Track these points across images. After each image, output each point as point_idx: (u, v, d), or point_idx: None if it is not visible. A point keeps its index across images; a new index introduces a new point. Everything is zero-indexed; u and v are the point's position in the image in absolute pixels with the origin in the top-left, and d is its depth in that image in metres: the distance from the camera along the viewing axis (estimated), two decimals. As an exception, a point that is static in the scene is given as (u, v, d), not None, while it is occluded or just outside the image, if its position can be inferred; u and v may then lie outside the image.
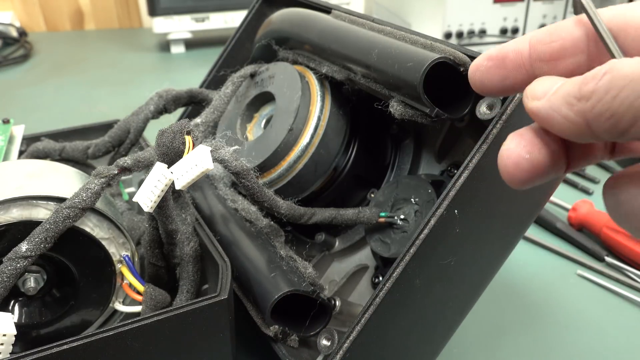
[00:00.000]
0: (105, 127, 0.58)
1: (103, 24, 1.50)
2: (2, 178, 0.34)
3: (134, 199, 0.33)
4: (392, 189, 0.43)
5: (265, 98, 0.49)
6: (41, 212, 0.33)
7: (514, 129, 0.32)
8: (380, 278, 0.43)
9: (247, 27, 0.56)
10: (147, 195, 0.31)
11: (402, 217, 0.41)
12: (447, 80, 0.35)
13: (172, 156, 0.32)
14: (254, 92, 0.49)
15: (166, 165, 0.31)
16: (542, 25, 1.01)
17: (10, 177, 0.34)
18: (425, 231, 0.31)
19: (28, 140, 0.56)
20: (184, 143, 0.31)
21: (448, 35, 0.96)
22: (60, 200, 0.34)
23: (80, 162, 0.51)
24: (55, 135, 0.56)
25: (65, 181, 0.36)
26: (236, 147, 0.35)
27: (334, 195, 0.47)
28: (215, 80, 0.56)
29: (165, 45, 1.29)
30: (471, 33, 0.96)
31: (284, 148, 0.43)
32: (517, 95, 0.31)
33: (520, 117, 0.31)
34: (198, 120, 0.44)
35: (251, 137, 0.48)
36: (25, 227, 0.32)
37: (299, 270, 0.37)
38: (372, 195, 0.47)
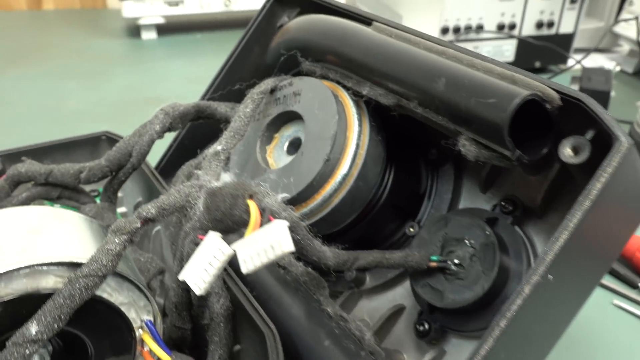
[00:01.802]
0: (92, 141, 0.51)
1: (63, 3, 1.38)
2: (-2, 236, 0.28)
3: (179, 277, 0.27)
4: (439, 227, 0.39)
5: (288, 117, 0.43)
6: (51, 281, 0.27)
7: (621, 183, 0.28)
8: (427, 326, 0.38)
9: (257, 29, 0.50)
10: (200, 275, 0.25)
11: (456, 261, 0.36)
12: (524, 115, 0.30)
13: (228, 225, 0.26)
14: (275, 110, 0.43)
15: (220, 236, 0.26)
16: (539, 22, 0.98)
17: (8, 236, 0.28)
18: (519, 302, 0.27)
19: (3, 158, 0.48)
20: (246, 211, 0.25)
21: (445, 30, 0.91)
22: (73, 265, 0.27)
23: (70, 187, 0.44)
24: (36, 152, 0.49)
25: (75, 236, 0.30)
26: (285, 194, 0.30)
27: (366, 228, 0.42)
28: (220, 88, 0.50)
29: (134, 31, 1.20)
30: (468, 28, 0.92)
31: (319, 180, 0.38)
32: (623, 140, 0.27)
33: (632, 167, 0.27)
34: (219, 147, 0.38)
35: (272, 161, 0.43)
36: (32, 301, 0.26)
37: (354, 334, 0.32)
38: (412, 230, 0.42)
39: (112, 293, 0.29)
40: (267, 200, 0.29)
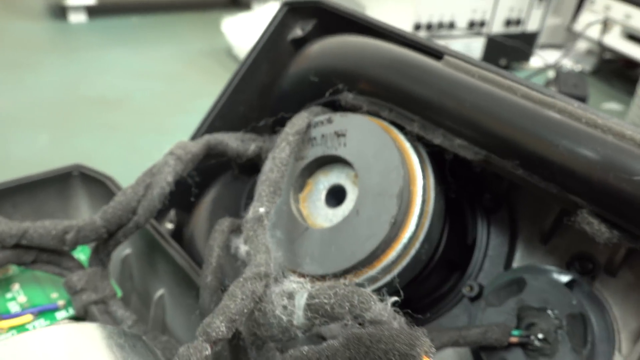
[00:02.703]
0: (61, 178, 0.41)
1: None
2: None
3: None
4: (511, 291, 0.34)
5: (325, 160, 0.36)
6: None
7: None
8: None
9: (267, 44, 0.42)
10: None
11: (540, 336, 0.32)
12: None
13: None
14: (311, 152, 0.36)
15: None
16: (508, 20, 0.96)
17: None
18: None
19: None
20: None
21: (418, 27, 0.86)
22: None
23: (50, 251, 0.35)
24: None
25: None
26: (395, 298, 0.23)
27: (414, 288, 0.36)
28: (224, 112, 0.42)
29: (59, 12, 1.05)
30: (440, 25, 0.88)
31: (382, 246, 0.32)
32: None
33: None
34: (261, 210, 0.30)
35: (306, 213, 0.36)
36: None
37: None
38: (471, 290, 0.37)
39: None
40: (376, 308, 0.23)
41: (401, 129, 0.34)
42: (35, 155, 0.61)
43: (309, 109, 0.37)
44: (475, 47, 0.92)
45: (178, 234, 0.41)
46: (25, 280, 0.37)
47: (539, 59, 0.99)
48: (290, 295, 0.24)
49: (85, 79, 0.82)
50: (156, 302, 0.37)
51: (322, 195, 0.36)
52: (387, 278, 0.32)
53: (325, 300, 0.23)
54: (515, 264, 0.37)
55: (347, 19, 0.39)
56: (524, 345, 0.32)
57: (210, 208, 0.39)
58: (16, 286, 0.36)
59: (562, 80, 0.82)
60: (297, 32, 0.42)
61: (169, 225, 0.42)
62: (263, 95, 0.43)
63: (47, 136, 0.65)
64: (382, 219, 0.31)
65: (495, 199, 0.38)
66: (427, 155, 0.34)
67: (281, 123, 0.42)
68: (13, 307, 0.35)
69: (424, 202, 0.32)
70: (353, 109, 0.36)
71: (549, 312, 0.32)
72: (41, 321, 0.34)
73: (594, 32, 0.96)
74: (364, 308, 0.23)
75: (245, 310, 0.24)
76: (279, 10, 0.42)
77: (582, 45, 1.05)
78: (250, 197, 0.41)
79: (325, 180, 0.36)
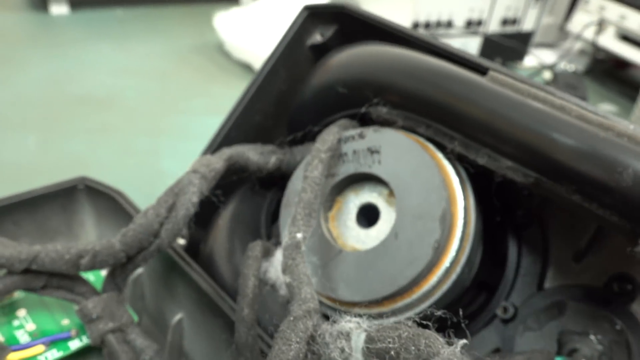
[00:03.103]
0: (66, 192, 0.39)
1: None
2: None
3: None
4: (551, 315, 0.33)
5: (357, 177, 0.34)
6: None
7: None
8: None
9: (286, 50, 0.40)
10: None
11: (584, 363, 0.31)
12: None
13: None
14: (342, 169, 0.34)
15: None
16: (505, 19, 0.95)
17: None
18: None
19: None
20: None
21: (416, 25, 0.85)
22: None
23: (61, 275, 0.32)
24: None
25: None
26: (464, 341, 0.22)
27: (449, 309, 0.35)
28: (240, 121, 0.40)
29: (40, 3, 1.00)
30: (438, 24, 0.86)
31: (424, 272, 0.30)
32: None
33: None
34: (298, 235, 0.28)
35: (336, 233, 0.34)
36: None
37: None
38: (506, 313, 0.35)
39: None
40: (445, 352, 0.21)
41: (438, 146, 0.32)
42: (26, 159, 0.58)
43: (338, 123, 0.35)
44: (471, 47, 0.91)
45: (191, 251, 0.39)
46: (32, 305, 0.34)
47: (533, 59, 0.99)
48: (347, 337, 0.23)
49: (71, 75, 0.78)
50: (174, 327, 0.35)
51: (353, 214, 0.34)
52: (425, 304, 0.31)
53: (390, 345, 0.21)
54: (547, 283, 0.36)
55: (371, 26, 0.37)
56: (566, 372, 0.31)
57: (229, 224, 0.37)
58: (22, 312, 0.34)
59: (560, 82, 0.81)
60: (317, 37, 0.40)
61: (181, 241, 0.40)
62: (280, 103, 0.41)
63: (36, 138, 0.62)
64: (424, 243, 0.30)
65: (527, 215, 0.37)
66: (466, 174, 0.32)
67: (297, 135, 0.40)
68: (22, 337, 0.32)
69: (465, 224, 0.31)
70: (386, 123, 0.34)
71: (592, 337, 0.31)
72: (54, 352, 0.32)
73: (589, 33, 0.96)
74: (432, 352, 0.21)
75: (301, 355, 0.22)
76: (299, 15, 0.39)
77: (575, 45, 1.05)
78: (270, 213, 0.40)
79: (355, 199, 0.34)
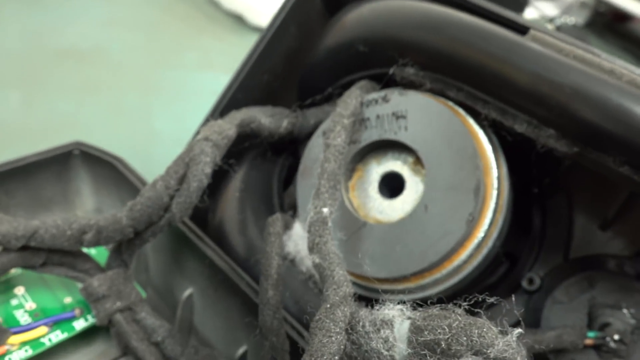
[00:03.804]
0: (60, 158, 0.36)
1: None
2: None
3: None
4: (581, 288, 0.32)
5: (380, 144, 0.32)
6: None
7: None
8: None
9: (297, 2, 0.36)
10: None
11: (616, 337, 0.30)
12: None
13: None
14: (364, 135, 0.31)
15: None
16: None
17: None
18: None
19: None
20: None
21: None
22: None
23: (62, 251, 0.30)
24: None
25: None
26: (519, 330, 0.20)
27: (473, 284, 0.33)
28: (247, 81, 0.37)
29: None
30: None
31: (456, 246, 0.28)
32: None
33: None
34: (325, 210, 0.26)
35: (357, 203, 0.32)
36: None
37: None
38: (532, 284, 0.34)
39: None
40: (499, 343, 0.19)
41: (468, 110, 0.30)
42: (10, 118, 0.54)
43: (359, 85, 0.32)
44: (472, -2, 0.88)
45: (196, 219, 0.37)
46: (30, 281, 0.32)
47: (533, 11, 0.96)
48: (389, 325, 0.21)
49: (52, 27, 0.73)
50: (184, 302, 0.33)
51: (375, 183, 0.32)
52: (454, 280, 0.29)
53: (440, 336, 0.20)
54: (572, 253, 0.35)
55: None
56: (597, 346, 0.30)
57: (240, 192, 0.35)
58: (21, 289, 0.32)
59: (565, 36, 0.78)
60: (330, -11, 0.37)
61: (186, 210, 0.37)
62: (289, 62, 0.38)
63: (19, 96, 0.58)
64: (457, 216, 0.28)
65: (554, 183, 0.35)
66: (498, 141, 0.30)
67: (309, 96, 0.37)
68: (22, 317, 0.30)
69: (498, 195, 0.29)
70: (410, 85, 0.31)
71: (624, 310, 0.30)
72: (57, 333, 0.30)
73: (590, -16, 0.93)
74: (485, 344, 0.19)
75: (342, 347, 0.20)
76: (312, -36, 0.36)
77: (575, -3, 1.02)
78: (281, 180, 0.37)
79: (378, 167, 0.32)
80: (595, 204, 0.34)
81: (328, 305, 0.21)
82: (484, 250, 0.29)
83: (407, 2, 0.31)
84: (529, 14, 0.95)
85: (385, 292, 0.30)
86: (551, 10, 0.98)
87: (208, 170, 0.28)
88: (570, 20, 0.97)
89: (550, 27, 0.87)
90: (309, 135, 0.37)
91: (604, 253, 0.33)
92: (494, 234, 0.29)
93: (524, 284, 0.34)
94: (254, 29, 0.78)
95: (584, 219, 0.35)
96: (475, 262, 0.29)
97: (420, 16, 0.30)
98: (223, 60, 0.72)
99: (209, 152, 0.28)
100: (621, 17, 1.01)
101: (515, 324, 0.35)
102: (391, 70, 0.30)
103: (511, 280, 0.35)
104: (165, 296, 0.35)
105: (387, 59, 0.31)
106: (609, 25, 1.03)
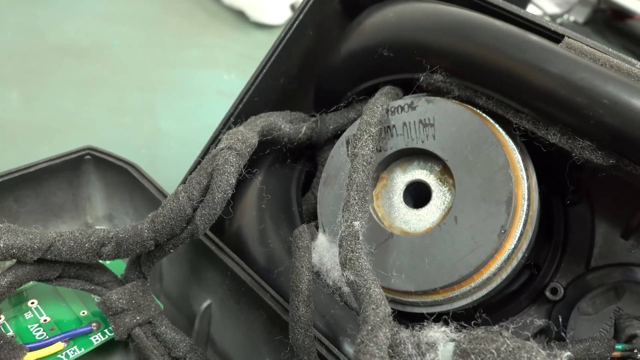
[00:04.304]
0: (71, 163, 0.35)
1: None
2: None
3: None
4: (607, 299, 0.31)
5: (406, 152, 0.31)
6: None
7: None
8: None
9: (315, 3, 0.35)
10: None
11: (645, 350, 0.29)
12: None
13: None
14: (390, 143, 0.31)
15: None
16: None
17: None
18: None
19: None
20: None
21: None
22: None
23: (80, 264, 0.29)
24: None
25: None
26: (569, 354, 0.19)
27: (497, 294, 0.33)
28: (263, 85, 0.36)
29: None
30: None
31: (487, 259, 0.27)
32: None
33: None
34: (356, 224, 0.25)
35: (382, 213, 0.31)
36: None
37: None
38: (556, 294, 0.33)
39: None
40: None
41: (497, 119, 0.29)
42: (11, 117, 0.53)
43: (383, 92, 0.31)
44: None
45: (213, 226, 0.36)
46: (43, 293, 0.31)
47: (535, 9, 0.95)
48: (433, 347, 0.20)
49: (51, 23, 0.71)
50: (202, 314, 0.32)
51: (400, 192, 0.31)
52: (483, 292, 0.29)
53: (489, 360, 0.19)
54: (594, 262, 0.34)
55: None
56: (624, 359, 0.30)
57: (258, 199, 0.34)
58: (34, 303, 0.30)
59: (569, 35, 0.78)
60: (348, -9, 0.36)
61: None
62: (306, 64, 0.37)
63: (19, 93, 0.56)
64: (488, 228, 0.27)
65: (577, 191, 0.34)
66: (527, 151, 0.29)
67: (326, 99, 0.37)
68: (37, 332, 0.29)
69: (528, 206, 0.28)
70: (437, 92, 0.30)
71: (653, 323, 0.30)
72: (75, 349, 0.29)
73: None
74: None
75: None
76: (331, -35, 0.35)
77: (576, -5, 1.02)
78: (299, 188, 0.36)
79: (403, 175, 0.31)
80: (617, 211, 0.34)
81: (370, 327, 0.20)
82: (514, 262, 0.28)
83: (434, 5, 0.30)
84: (530, 11, 0.95)
85: (412, 304, 0.29)
86: (552, 8, 0.98)
87: (232, 180, 0.27)
88: (571, 17, 0.97)
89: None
90: (327, 140, 0.36)
91: (628, 262, 0.33)
92: (524, 245, 0.28)
93: (548, 293, 0.34)
94: (256, 25, 0.77)
95: (606, 226, 0.34)
96: (504, 274, 0.28)
97: (450, 21, 0.29)
98: (225, 58, 0.71)
99: (234, 161, 0.27)
100: (621, 15, 1.01)
101: (538, 333, 0.35)
102: (422, 78, 0.29)
103: (534, 289, 0.35)
104: (181, 306, 0.34)
105: (412, 65, 0.30)
106: (609, 23, 1.02)
